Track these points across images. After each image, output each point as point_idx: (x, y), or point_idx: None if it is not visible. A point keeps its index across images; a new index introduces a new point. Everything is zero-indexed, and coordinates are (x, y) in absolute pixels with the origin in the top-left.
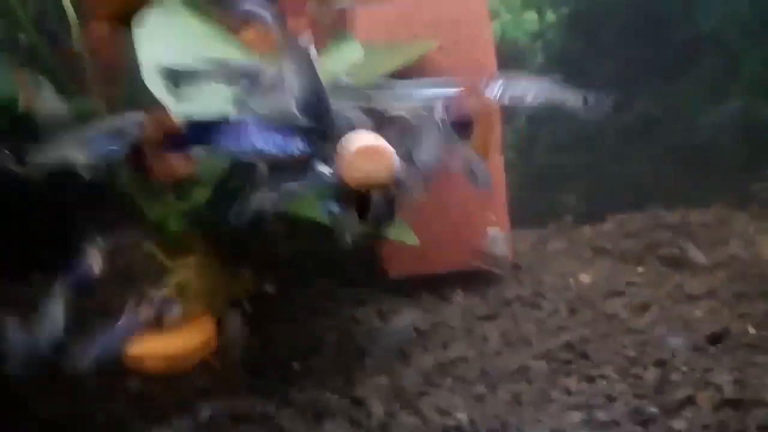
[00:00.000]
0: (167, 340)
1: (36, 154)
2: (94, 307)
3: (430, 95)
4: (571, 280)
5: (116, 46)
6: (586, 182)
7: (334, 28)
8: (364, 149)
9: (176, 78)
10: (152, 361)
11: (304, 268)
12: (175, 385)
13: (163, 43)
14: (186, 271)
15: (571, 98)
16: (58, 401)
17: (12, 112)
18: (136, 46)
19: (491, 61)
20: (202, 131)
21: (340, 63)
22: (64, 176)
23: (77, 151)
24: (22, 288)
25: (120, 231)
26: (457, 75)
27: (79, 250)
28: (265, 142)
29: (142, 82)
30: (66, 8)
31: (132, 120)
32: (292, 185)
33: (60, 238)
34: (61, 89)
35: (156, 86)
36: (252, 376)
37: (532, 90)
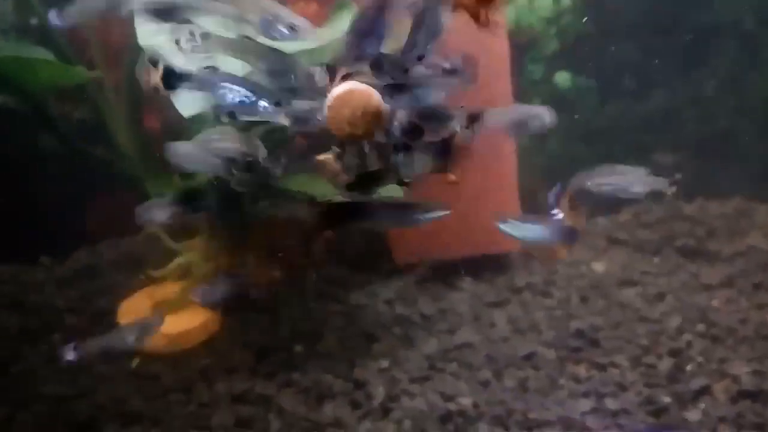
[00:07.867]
0: (169, 320)
1: None
2: (100, 289)
3: None
4: (584, 269)
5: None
6: None
7: None
8: (344, 93)
9: None
10: (154, 341)
11: (312, 253)
12: (175, 364)
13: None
14: (191, 253)
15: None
16: (62, 379)
17: None
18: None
19: (505, 68)
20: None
21: (340, 29)
22: (72, 160)
23: None
24: (32, 270)
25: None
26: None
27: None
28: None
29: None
30: None
31: None
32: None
33: (68, 220)
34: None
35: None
36: (254, 358)
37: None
